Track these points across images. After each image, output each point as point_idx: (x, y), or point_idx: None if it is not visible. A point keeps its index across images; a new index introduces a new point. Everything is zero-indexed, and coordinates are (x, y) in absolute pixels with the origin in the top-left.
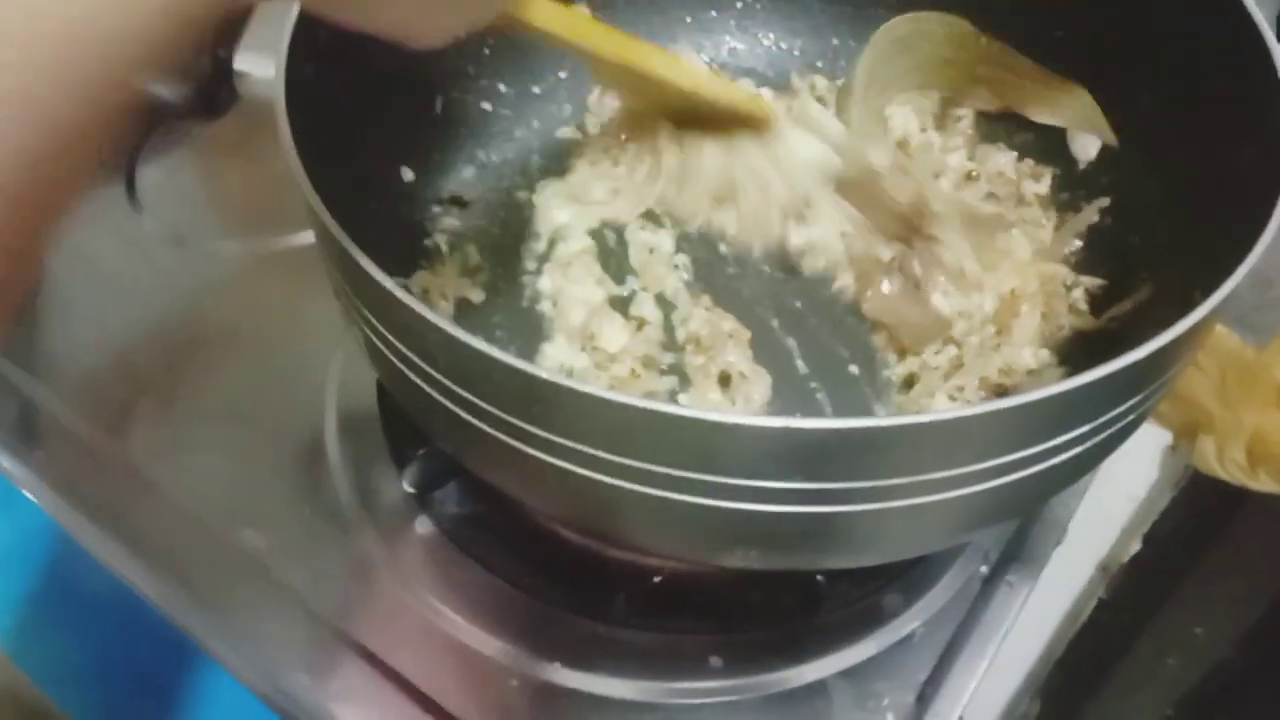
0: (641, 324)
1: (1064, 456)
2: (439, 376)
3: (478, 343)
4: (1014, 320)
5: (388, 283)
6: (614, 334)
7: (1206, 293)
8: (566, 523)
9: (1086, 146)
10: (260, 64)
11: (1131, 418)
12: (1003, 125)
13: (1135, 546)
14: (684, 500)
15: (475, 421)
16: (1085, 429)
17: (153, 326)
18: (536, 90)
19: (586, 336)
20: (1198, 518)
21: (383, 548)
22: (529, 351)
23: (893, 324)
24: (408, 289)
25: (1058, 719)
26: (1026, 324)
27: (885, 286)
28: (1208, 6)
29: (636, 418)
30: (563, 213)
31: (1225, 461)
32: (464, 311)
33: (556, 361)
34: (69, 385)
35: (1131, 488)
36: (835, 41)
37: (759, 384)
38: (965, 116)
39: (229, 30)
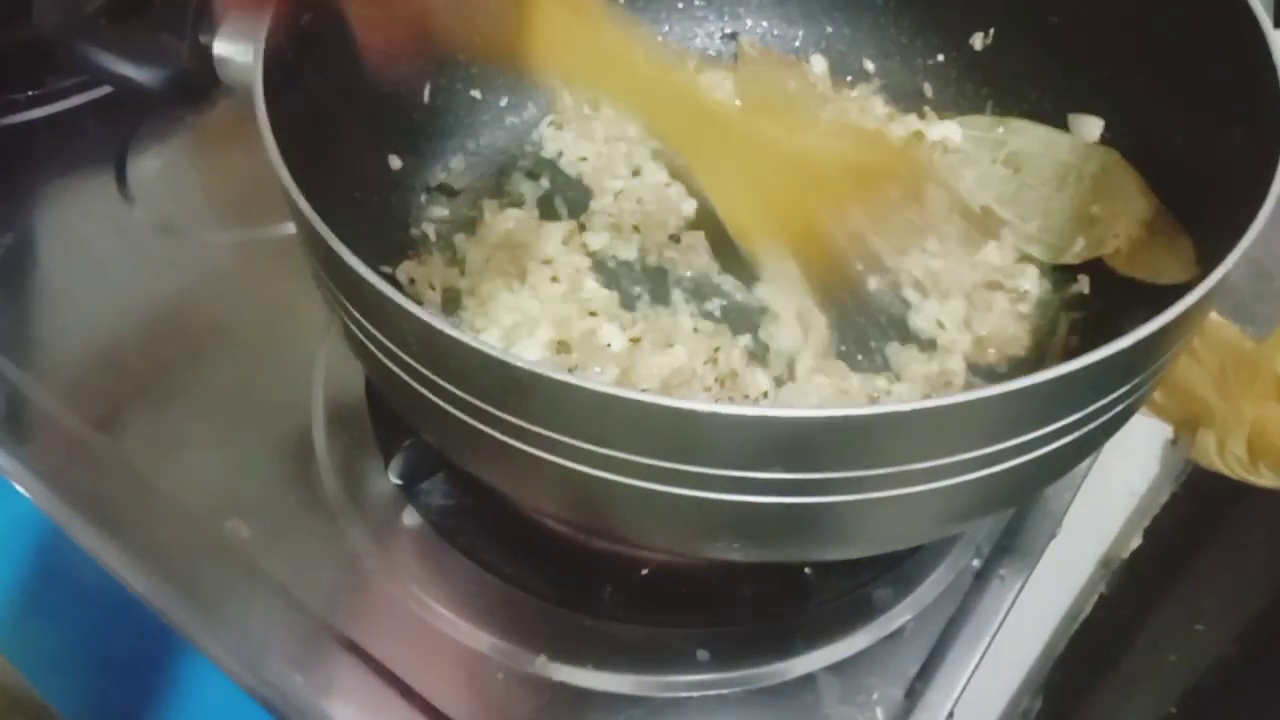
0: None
1: (1054, 445)
2: (417, 365)
3: (453, 330)
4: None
5: (362, 268)
6: None
7: (1200, 278)
8: (551, 514)
9: (1090, 128)
10: (240, 49)
11: (1122, 406)
12: None
13: (1136, 541)
14: (665, 491)
15: (454, 411)
16: (1076, 417)
17: (143, 318)
18: (529, 76)
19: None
20: (1199, 512)
21: (369, 540)
22: None
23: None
24: (394, 278)
25: (1059, 715)
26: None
27: None
28: None
29: (616, 407)
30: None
31: (1226, 455)
32: (454, 300)
33: None
34: (59, 378)
35: (1132, 482)
36: (829, 29)
37: None
38: None
39: (208, 16)
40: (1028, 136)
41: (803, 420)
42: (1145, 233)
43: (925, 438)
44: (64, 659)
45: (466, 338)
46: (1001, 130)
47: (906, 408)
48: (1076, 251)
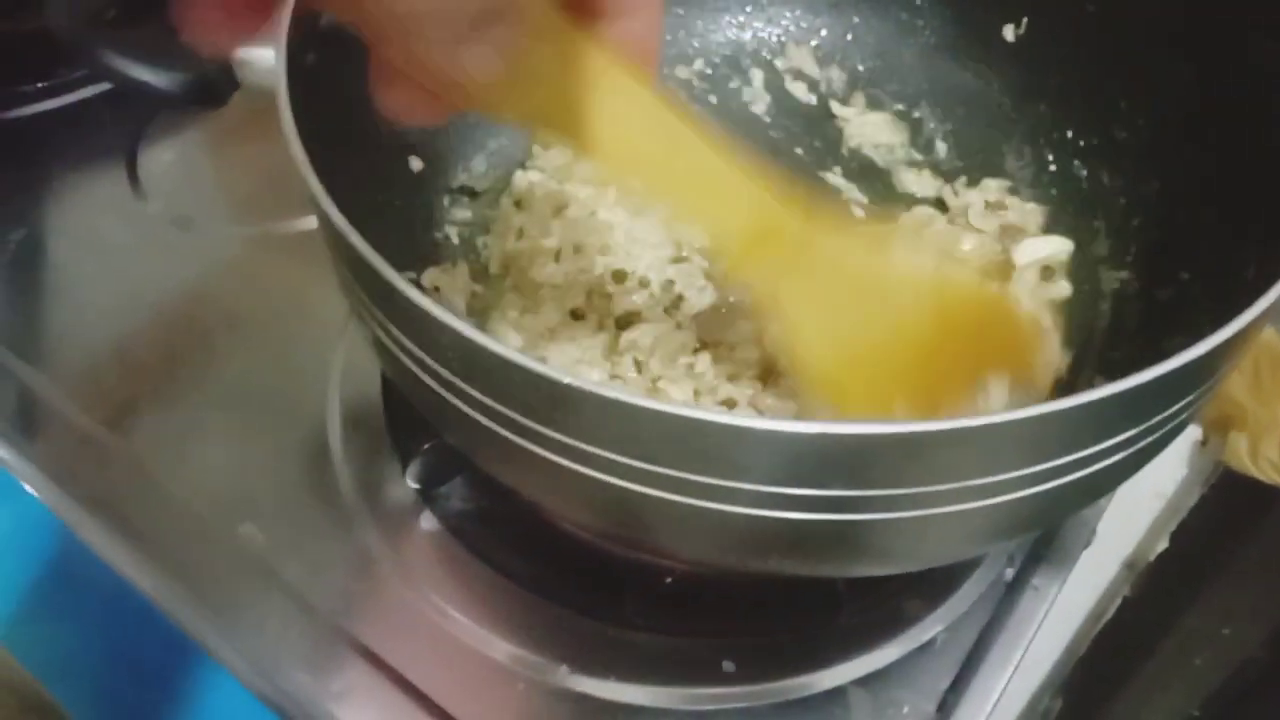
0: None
1: (1114, 459)
2: (454, 379)
3: (496, 345)
4: None
5: (399, 281)
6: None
7: (1264, 280)
8: (591, 528)
9: None
10: (260, 52)
11: (1184, 417)
12: None
13: (1162, 544)
14: (714, 508)
15: (492, 425)
16: (1136, 430)
17: (155, 314)
18: None
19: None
20: (1227, 516)
21: (386, 544)
22: None
23: None
24: (419, 285)
25: (1080, 716)
26: None
27: None
28: None
29: (666, 423)
30: None
31: (1258, 459)
32: (479, 303)
33: None
34: (69, 375)
35: (1160, 484)
36: (856, 19)
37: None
38: None
39: None
40: None
41: (863, 436)
42: None
43: (990, 452)
44: (75, 661)
45: (513, 355)
46: None
47: (973, 422)
48: None
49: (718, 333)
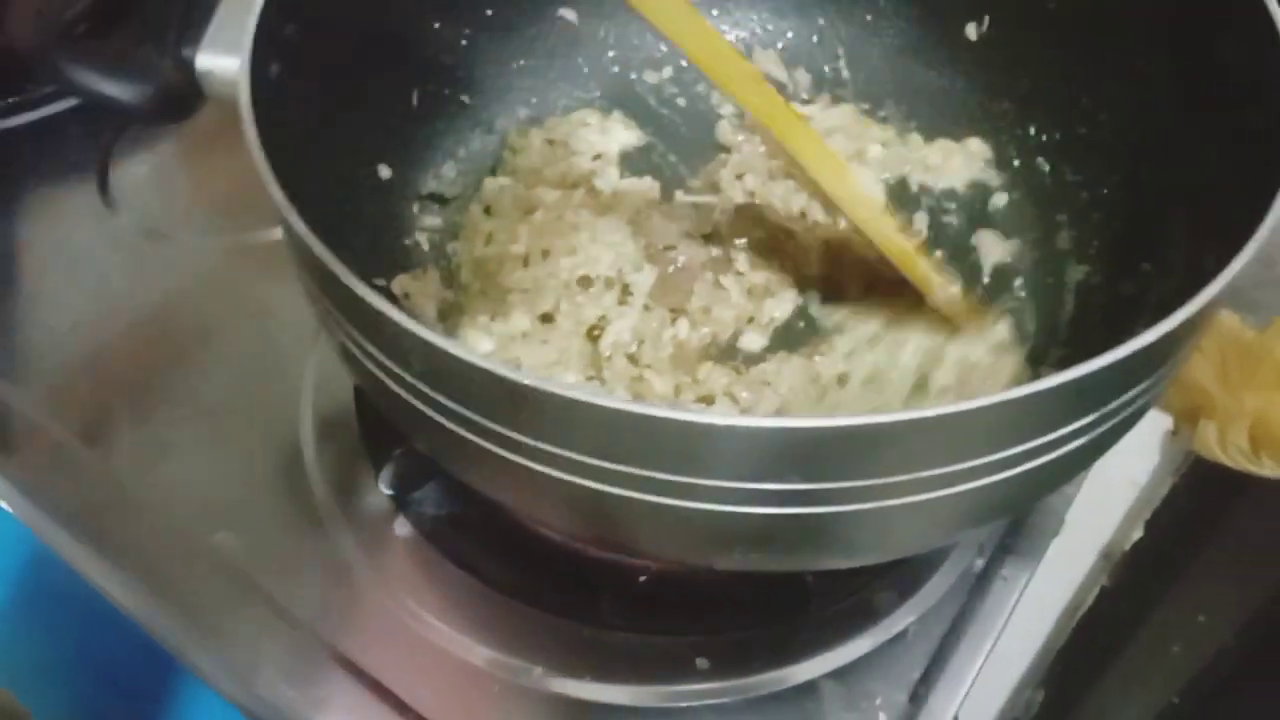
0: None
1: (1072, 446)
2: (417, 384)
3: (458, 349)
4: None
5: (361, 287)
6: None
7: (1219, 267)
8: (558, 529)
9: None
10: (225, 63)
11: (1141, 403)
12: None
13: (1137, 534)
14: (677, 505)
15: (457, 429)
16: (1093, 417)
17: (127, 325)
18: (520, 81)
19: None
20: (1200, 503)
21: (361, 550)
22: None
23: None
24: (389, 292)
25: (1062, 708)
26: None
27: None
28: None
29: (627, 422)
30: None
31: (1227, 446)
32: (450, 309)
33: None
34: (42, 387)
35: (1132, 474)
36: (822, 21)
37: None
38: None
39: (191, 29)
40: None
41: (821, 430)
42: None
43: (948, 442)
44: (53, 675)
45: (472, 357)
46: None
47: (930, 413)
48: None
49: (681, 300)
